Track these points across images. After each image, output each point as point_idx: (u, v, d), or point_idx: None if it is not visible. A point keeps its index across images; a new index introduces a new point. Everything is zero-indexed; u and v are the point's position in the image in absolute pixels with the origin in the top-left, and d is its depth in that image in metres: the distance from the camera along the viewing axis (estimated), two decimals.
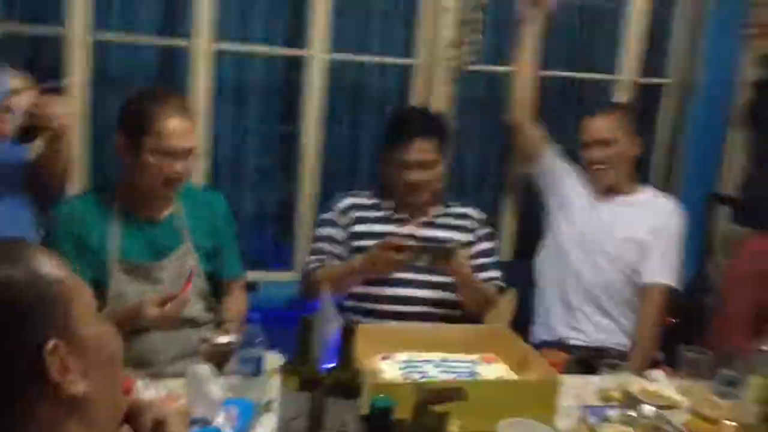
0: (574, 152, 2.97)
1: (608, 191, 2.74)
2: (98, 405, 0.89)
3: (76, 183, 2.57)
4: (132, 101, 2.07)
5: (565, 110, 3.24)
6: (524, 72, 2.85)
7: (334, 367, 1.49)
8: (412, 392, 1.46)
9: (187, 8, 2.69)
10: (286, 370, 1.50)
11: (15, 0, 2.62)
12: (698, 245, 3.25)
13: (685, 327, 2.83)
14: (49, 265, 0.89)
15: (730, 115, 3.30)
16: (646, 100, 3.25)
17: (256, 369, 1.63)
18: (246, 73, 2.89)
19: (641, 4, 3.08)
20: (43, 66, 2.64)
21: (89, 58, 2.58)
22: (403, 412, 1.46)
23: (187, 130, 2.03)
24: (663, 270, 2.65)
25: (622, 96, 3.13)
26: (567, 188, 2.80)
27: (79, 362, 0.86)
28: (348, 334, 1.48)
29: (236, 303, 2.27)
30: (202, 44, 2.66)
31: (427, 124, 2.44)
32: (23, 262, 0.87)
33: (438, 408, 1.44)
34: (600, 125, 2.69)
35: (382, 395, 1.49)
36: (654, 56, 3.25)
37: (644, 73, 3.19)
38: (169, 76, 2.83)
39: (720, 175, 3.35)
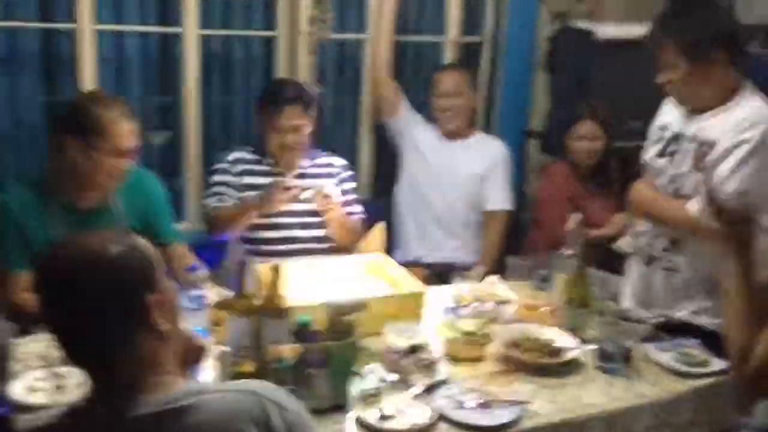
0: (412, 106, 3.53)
1: (452, 135, 3.35)
2: (173, 337, 1.28)
3: None
4: (81, 106, 2.26)
5: (401, 70, 3.72)
6: (384, 36, 3.34)
7: (266, 296, 1.96)
8: (324, 310, 1.96)
9: None
10: (231, 303, 1.96)
11: None
12: (516, 173, 3.94)
13: (508, 237, 3.53)
14: (143, 244, 1.27)
15: (533, 64, 3.98)
16: (468, 55, 3.83)
17: (200, 304, 2.07)
18: (125, 51, 3.16)
19: None
20: None
21: None
22: (317, 326, 1.95)
23: (133, 131, 2.28)
24: (501, 198, 3.33)
25: (448, 54, 3.70)
26: (418, 133, 3.38)
27: (163, 309, 1.24)
28: (275, 270, 1.96)
29: (187, 260, 2.49)
30: (87, 26, 2.94)
31: (295, 93, 2.85)
32: (127, 242, 1.25)
33: (346, 318, 1.96)
34: (450, 80, 3.28)
35: (302, 314, 1.99)
36: (471, 18, 3.81)
37: (464, 33, 3.76)
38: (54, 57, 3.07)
39: (529, 114, 4.03)
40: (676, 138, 2.31)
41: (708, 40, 2.14)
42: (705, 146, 2.19)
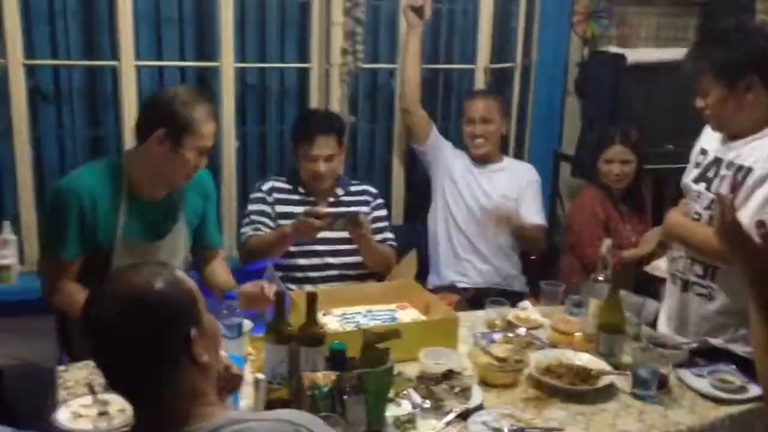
0: (444, 131, 3.58)
1: (483, 160, 3.39)
2: (213, 367, 1.33)
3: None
4: (175, 102, 2.24)
5: (433, 97, 3.80)
6: (411, 66, 3.39)
7: (302, 324, 2.00)
8: (359, 337, 2.00)
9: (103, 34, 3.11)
10: (269, 330, 2.00)
11: None
12: (548, 195, 3.97)
13: (541, 261, 3.55)
14: (185, 278, 1.32)
15: (564, 88, 4.01)
16: (499, 81, 3.86)
17: (237, 332, 2.12)
18: (165, 85, 3.24)
19: (488, 3, 3.66)
20: None
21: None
22: (351, 352, 1.99)
23: (215, 131, 2.34)
24: (535, 213, 3.35)
25: (479, 81, 3.74)
26: (449, 159, 3.42)
27: (204, 341, 1.29)
28: (311, 299, 2.00)
29: (222, 267, 2.60)
30: (128, 63, 3.05)
31: (326, 123, 2.91)
32: (172, 277, 1.28)
33: (381, 346, 1.99)
34: (482, 106, 3.32)
35: (337, 341, 2.03)
36: (502, 45, 3.86)
37: (495, 60, 3.80)
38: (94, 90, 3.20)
39: (561, 138, 4.06)
40: (715, 163, 2.31)
41: (742, 66, 2.16)
42: (741, 173, 2.19)
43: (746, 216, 2.12)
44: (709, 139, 2.38)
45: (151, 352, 1.24)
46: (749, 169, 2.17)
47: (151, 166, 2.30)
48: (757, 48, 2.19)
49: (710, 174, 2.31)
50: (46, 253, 2.33)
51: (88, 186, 2.26)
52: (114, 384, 1.31)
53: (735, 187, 2.19)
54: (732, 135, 2.27)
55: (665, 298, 2.55)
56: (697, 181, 2.36)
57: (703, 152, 2.38)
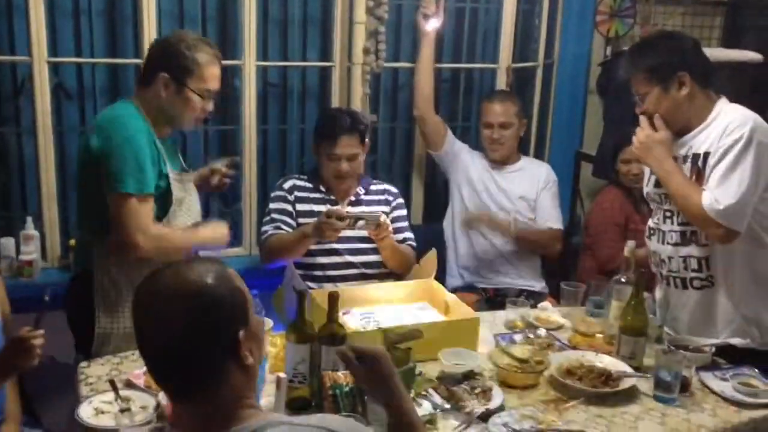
0: (464, 130, 3.56)
1: (500, 161, 3.37)
2: (256, 368, 1.30)
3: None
4: (178, 45, 2.29)
5: (455, 96, 3.80)
6: (424, 73, 3.39)
7: (323, 323, 2.01)
8: (380, 337, 2.00)
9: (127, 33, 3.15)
10: (290, 329, 2.00)
11: None
12: (568, 195, 3.95)
13: (560, 261, 3.53)
14: (236, 277, 1.29)
15: (586, 87, 3.99)
16: (520, 80, 3.86)
17: None
18: None
19: (511, 2, 3.64)
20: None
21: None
22: None
23: (220, 75, 2.35)
24: (551, 217, 3.33)
25: (501, 80, 3.72)
26: (466, 162, 3.41)
27: (250, 343, 1.27)
28: (332, 298, 2.00)
29: None
30: None
31: (350, 122, 2.89)
32: (223, 276, 1.26)
33: (402, 346, 1.99)
34: (500, 110, 3.30)
35: (358, 341, 2.03)
36: (524, 44, 3.85)
37: (517, 59, 3.79)
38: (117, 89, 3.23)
39: (582, 137, 4.04)
40: None
41: (672, 65, 2.28)
42: (700, 160, 2.28)
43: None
44: None
45: (199, 349, 1.22)
46: (707, 153, 2.27)
47: (159, 109, 2.34)
48: (683, 47, 2.34)
49: None
50: (131, 192, 2.25)
51: (144, 123, 2.31)
52: (159, 379, 1.29)
53: (699, 175, 2.28)
54: (680, 132, 2.35)
55: (666, 304, 2.52)
56: (658, 185, 2.41)
57: None
